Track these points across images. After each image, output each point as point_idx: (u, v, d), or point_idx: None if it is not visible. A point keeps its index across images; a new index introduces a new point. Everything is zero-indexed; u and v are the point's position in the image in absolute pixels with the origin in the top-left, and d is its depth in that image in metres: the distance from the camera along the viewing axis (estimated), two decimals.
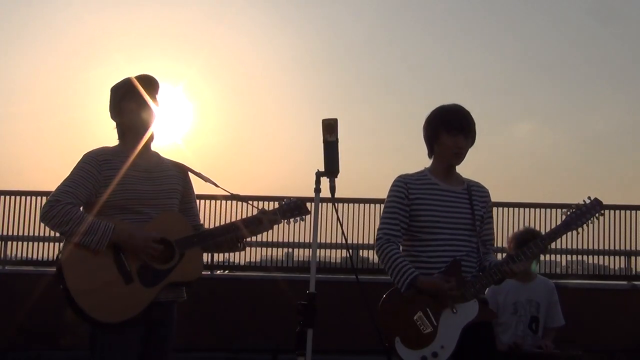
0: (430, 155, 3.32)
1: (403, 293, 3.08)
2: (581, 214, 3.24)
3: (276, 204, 3.24)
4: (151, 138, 3.06)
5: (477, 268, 3.18)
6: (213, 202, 9.56)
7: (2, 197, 9.99)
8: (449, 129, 3.18)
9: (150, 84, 3.02)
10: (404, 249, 3.24)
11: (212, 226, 3.18)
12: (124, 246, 2.81)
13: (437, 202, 3.18)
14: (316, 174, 2.95)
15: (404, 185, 3.20)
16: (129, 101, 3.00)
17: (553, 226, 3.37)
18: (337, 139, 2.91)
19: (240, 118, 21.31)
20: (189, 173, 3.18)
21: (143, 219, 2.91)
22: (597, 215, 3.26)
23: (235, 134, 20.89)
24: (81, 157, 2.96)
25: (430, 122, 3.28)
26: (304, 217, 3.20)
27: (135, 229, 2.83)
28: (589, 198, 3.27)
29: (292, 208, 3.18)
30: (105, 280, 2.79)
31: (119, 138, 3.07)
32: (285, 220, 3.18)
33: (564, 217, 3.28)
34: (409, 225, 3.19)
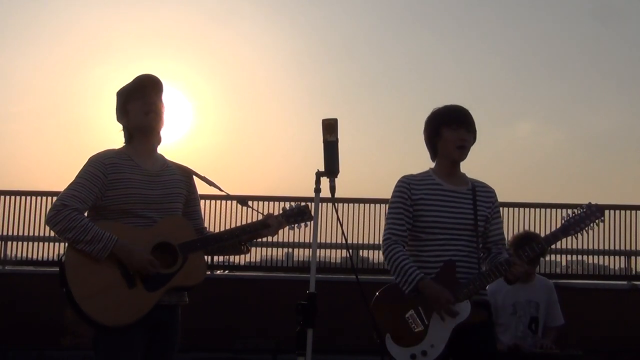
0: (433, 158, 3.33)
1: (407, 294, 3.10)
2: (580, 219, 3.19)
3: (276, 204, 3.23)
4: (158, 141, 3.06)
5: (476, 269, 3.18)
6: (215, 203, 9.60)
7: (2, 197, 9.99)
8: (450, 123, 3.20)
9: (155, 84, 3.02)
10: (408, 249, 3.25)
11: (215, 227, 3.18)
12: (123, 260, 2.81)
13: (439, 203, 3.19)
14: (316, 174, 2.94)
15: (407, 186, 3.22)
16: (136, 102, 2.98)
17: (553, 226, 3.36)
18: (337, 139, 2.90)
19: (240, 118, 21.33)
20: (193, 176, 3.18)
21: (147, 223, 2.91)
22: (596, 221, 3.20)
23: (235, 134, 20.91)
24: (87, 160, 2.95)
25: (430, 121, 3.30)
26: (307, 222, 3.19)
27: (136, 249, 2.82)
28: (589, 204, 3.22)
29: (296, 213, 3.17)
30: (108, 284, 2.79)
31: (126, 141, 3.06)
32: (289, 226, 3.17)
33: (562, 221, 3.23)
34: (413, 226, 3.20)
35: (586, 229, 3.20)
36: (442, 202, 3.19)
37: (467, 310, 3.08)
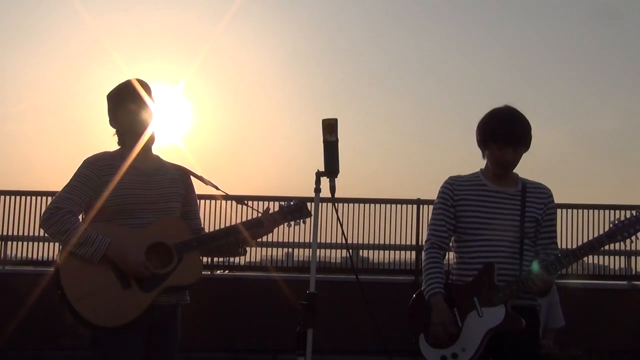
0: (483, 156, 3.25)
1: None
2: (629, 224, 3.05)
3: (276, 204, 3.22)
4: (151, 141, 3.05)
5: (519, 272, 3.06)
6: (213, 202, 9.58)
7: (2, 197, 9.98)
8: (498, 141, 3.10)
9: (140, 86, 3.02)
10: (455, 250, 3.23)
11: (212, 226, 3.17)
12: (117, 262, 2.81)
13: (481, 204, 3.13)
14: (316, 174, 2.94)
15: (449, 187, 3.19)
16: (127, 103, 2.99)
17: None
18: (337, 139, 2.90)
19: (240, 118, 21.31)
20: (191, 176, 3.17)
21: (143, 224, 2.91)
22: None
23: (234, 134, 20.88)
24: (81, 162, 2.96)
25: (480, 127, 3.19)
26: (305, 219, 3.17)
27: (130, 251, 2.81)
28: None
29: (294, 210, 3.14)
30: (103, 285, 2.79)
31: (119, 143, 3.06)
32: (287, 223, 3.15)
33: (611, 225, 3.09)
34: (456, 227, 3.18)
35: (636, 234, 3.05)
36: (484, 203, 3.13)
37: (501, 315, 3.00)
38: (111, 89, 3.06)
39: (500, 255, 3.07)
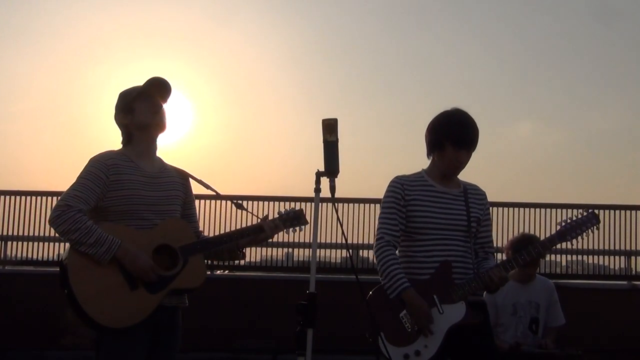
0: (428, 156, 3.32)
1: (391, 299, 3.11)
2: (576, 225, 3.22)
3: (276, 204, 3.25)
4: (155, 145, 3.07)
5: (472, 270, 3.18)
6: (211, 203, 9.57)
7: (2, 197, 9.98)
8: (454, 143, 3.17)
9: (164, 88, 3.03)
10: (401, 249, 3.25)
11: (211, 227, 3.20)
12: (125, 265, 2.80)
13: (432, 204, 3.19)
14: (316, 174, 2.94)
15: (400, 187, 3.22)
16: (143, 101, 2.99)
17: (553, 226, 3.37)
18: (337, 139, 2.90)
19: (240, 118, 21.35)
20: (190, 179, 3.18)
21: (147, 225, 2.90)
22: (592, 228, 3.23)
23: (235, 134, 20.91)
24: (88, 161, 2.94)
25: (435, 129, 3.25)
26: (302, 227, 3.23)
27: (139, 254, 2.81)
28: (585, 210, 3.27)
29: (292, 217, 3.21)
30: (111, 286, 2.78)
31: (125, 141, 3.05)
32: (285, 230, 3.20)
33: (559, 226, 3.25)
34: (406, 226, 3.21)
35: (582, 235, 3.23)
36: (435, 203, 3.20)
37: (462, 311, 3.08)
38: (127, 88, 3.05)
39: (453, 255, 3.14)
